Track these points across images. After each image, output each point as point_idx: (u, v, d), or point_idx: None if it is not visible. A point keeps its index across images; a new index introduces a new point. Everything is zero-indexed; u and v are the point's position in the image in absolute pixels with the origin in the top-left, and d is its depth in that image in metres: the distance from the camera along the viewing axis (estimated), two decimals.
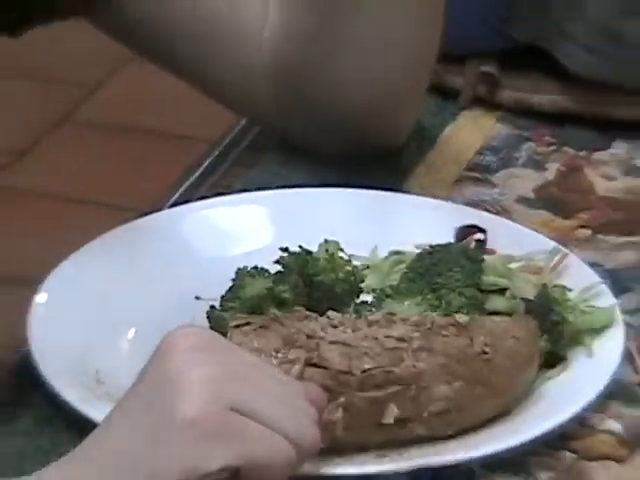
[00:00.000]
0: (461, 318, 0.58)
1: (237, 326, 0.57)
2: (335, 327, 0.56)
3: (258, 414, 0.54)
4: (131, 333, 0.62)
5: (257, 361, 0.58)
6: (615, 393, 0.61)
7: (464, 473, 0.55)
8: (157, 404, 0.55)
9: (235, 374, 0.55)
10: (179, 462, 0.55)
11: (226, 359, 0.55)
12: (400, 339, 0.55)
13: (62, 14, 0.82)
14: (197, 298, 0.64)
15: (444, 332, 0.58)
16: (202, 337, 0.56)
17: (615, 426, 0.60)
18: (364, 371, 0.54)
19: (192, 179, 0.77)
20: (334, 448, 0.55)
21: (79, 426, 0.56)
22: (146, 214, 0.72)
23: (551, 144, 0.84)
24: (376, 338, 0.55)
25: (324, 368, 0.53)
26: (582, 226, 0.76)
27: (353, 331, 0.56)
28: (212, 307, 0.60)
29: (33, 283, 0.64)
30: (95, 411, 0.55)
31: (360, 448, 0.56)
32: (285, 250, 0.61)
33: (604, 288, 0.65)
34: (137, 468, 0.56)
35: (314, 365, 0.54)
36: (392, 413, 0.55)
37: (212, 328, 0.60)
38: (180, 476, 0.54)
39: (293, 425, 0.54)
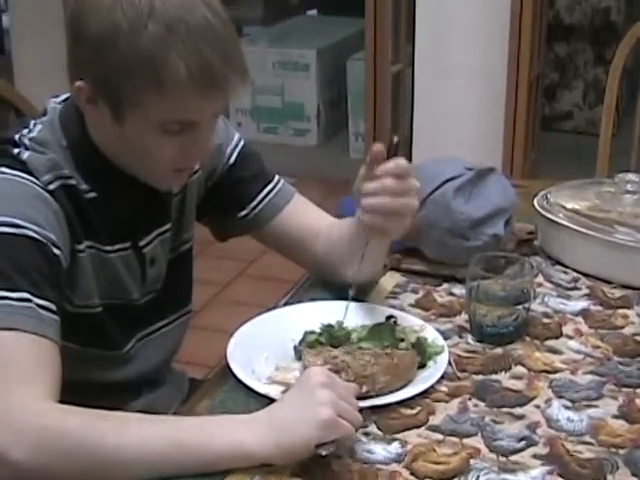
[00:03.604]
0: (387, 350, 1.28)
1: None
2: (344, 354, 1.26)
3: (343, 414, 1.03)
4: (265, 354, 1.32)
5: (339, 381, 1.09)
6: None
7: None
8: (306, 404, 1.02)
9: (336, 395, 1.03)
10: (315, 434, 1.01)
11: (332, 385, 1.04)
12: (368, 361, 1.25)
13: (236, 236, 1.47)
14: (293, 340, 1.34)
15: (381, 356, 1.27)
16: (323, 373, 1.08)
17: None
18: (356, 373, 1.22)
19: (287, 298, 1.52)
20: None
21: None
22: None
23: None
24: (360, 359, 1.25)
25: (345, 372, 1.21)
26: None
27: (350, 355, 1.25)
28: (295, 346, 1.33)
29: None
30: (256, 385, 1.22)
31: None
32: (327, 327, 1.35)
33: (439, 336, 1.37)
34: (292, 432, 1.01)
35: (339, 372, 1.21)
36: (363, 389, 1.21)
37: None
38: (315, 441, 1.00)
39: (353, 416, 1.05)
